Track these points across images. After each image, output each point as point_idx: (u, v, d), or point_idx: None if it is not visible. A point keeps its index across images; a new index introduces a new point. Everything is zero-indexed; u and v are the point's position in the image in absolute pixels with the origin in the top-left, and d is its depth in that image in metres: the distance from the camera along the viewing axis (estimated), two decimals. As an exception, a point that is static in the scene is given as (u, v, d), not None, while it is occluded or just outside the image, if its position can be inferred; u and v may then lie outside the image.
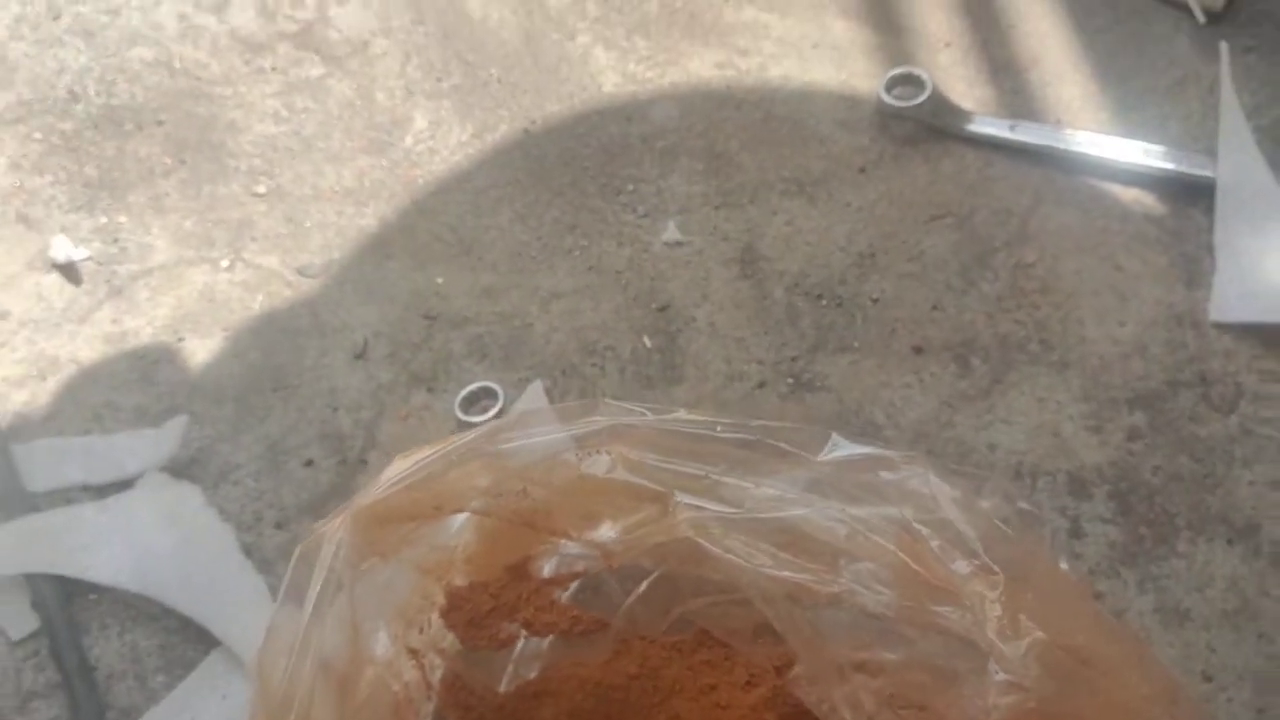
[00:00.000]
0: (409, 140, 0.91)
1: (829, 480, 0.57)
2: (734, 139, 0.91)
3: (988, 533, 0.56)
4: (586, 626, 0.61)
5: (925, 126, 0.90)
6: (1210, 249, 0.83)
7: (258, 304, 0.84)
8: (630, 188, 0.89)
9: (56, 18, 0.95)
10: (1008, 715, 0.50)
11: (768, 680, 0.63)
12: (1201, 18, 0.94)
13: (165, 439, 0.77)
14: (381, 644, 0.61)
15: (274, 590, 0.73)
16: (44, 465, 0.77)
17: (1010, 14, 0.96)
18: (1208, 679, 0.69)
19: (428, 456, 0.54)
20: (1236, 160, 0.84)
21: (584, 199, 0.88)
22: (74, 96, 0.92)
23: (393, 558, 0.60)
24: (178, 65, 0.93)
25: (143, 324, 0.83)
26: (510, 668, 0.66)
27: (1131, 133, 0.89)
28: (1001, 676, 0.52)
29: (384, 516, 0.55)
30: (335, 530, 0.52)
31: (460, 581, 0.64)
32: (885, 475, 0.55)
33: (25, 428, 0.79)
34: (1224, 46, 0.90)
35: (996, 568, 0.52)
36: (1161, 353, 0.80)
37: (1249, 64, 0.92)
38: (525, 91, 0.93)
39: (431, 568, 0.63)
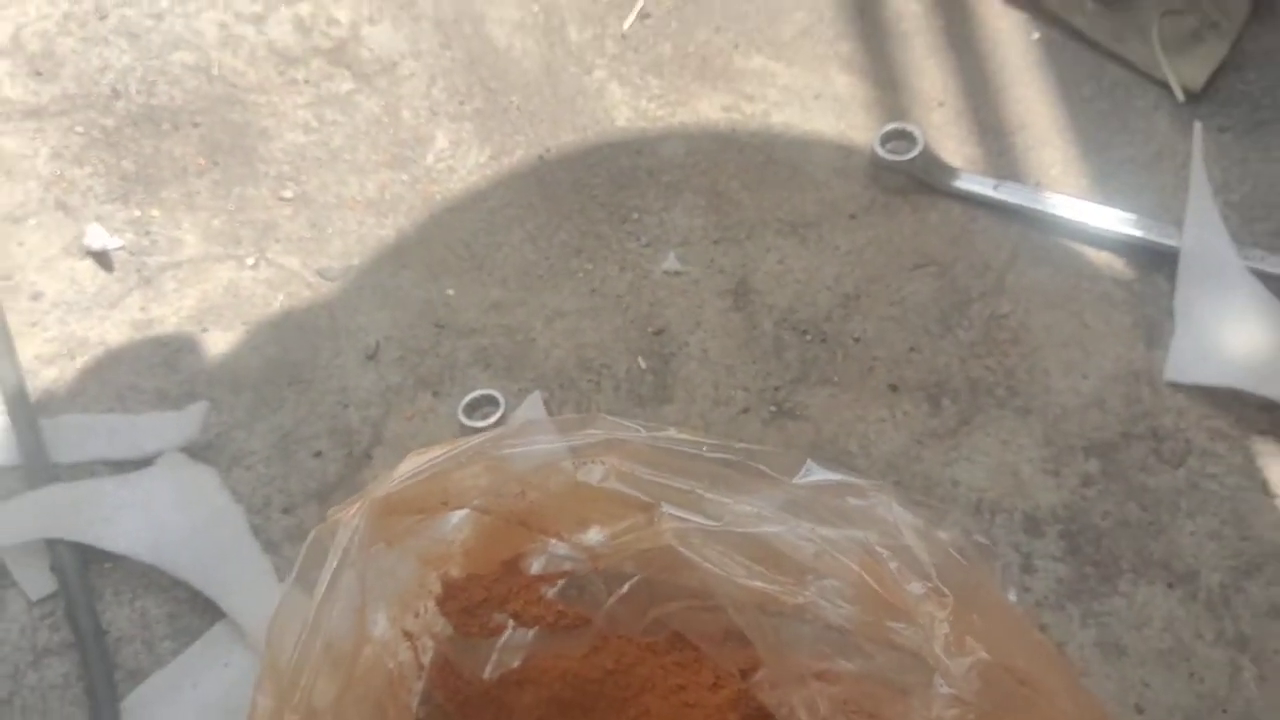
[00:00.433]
0: (430, 158, 0.97)
1: (802, 502, 0.62)
2: (735, 179, 0.96)
3: (942, 560, 0.61)
4: (570, 621, 0.67)
5: (915, 180, 0.96)
6: (1171, 313, 0.89)
7: (278, 302, 0.89)
8: (635, 217, 0.94)
9: (104, 18, 1.00)
10: (949, 725, 0.56)
11: (733, 683, 0.68)
12: (1181, 96, 1.00)
13: (187, 422, 0.82)
14: (380, 625, 0.66)
15: (279, 570, 0.78)
16: (69, 439, 0.81)
17: (1002, 79, 1.02)
18: (1140, 711, 0.75)
19: (439, 456, 0.59)
20: (1201, 233, 0.91)
21: (591, 225, 0.94)
22: (116, 94, 0.97)
23: (397, 546, 0.65)
24: (216, 72, 0.99)
25: (169, 313, 0.88)
26: (496, 656, 0.71)
27: (1107, 199, 0.95)
28: (946, 690, 0.57)
29: (395, 507, 0.61)
30: (352, 516, 0.57)
31: (457, 573, 0.69)
32: (853, 501, 0.61)
33: (53, 403, 0.84)
34: (1198, 126, 0.96)
35: (947, 591, 0.57)
36: (1119, 406, 0.86)
37: (1223, 142, 0.99)
38: (542, 120, 0.99)
39: (431, 558, 0.68)
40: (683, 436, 0.61)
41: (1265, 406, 0.85)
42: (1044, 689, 0.61)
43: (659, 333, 0.89)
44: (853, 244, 0.94)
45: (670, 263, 0.92)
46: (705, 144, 0.98)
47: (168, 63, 0.99)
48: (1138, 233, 0.92)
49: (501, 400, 0.84)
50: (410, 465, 0.59)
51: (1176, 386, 0.87)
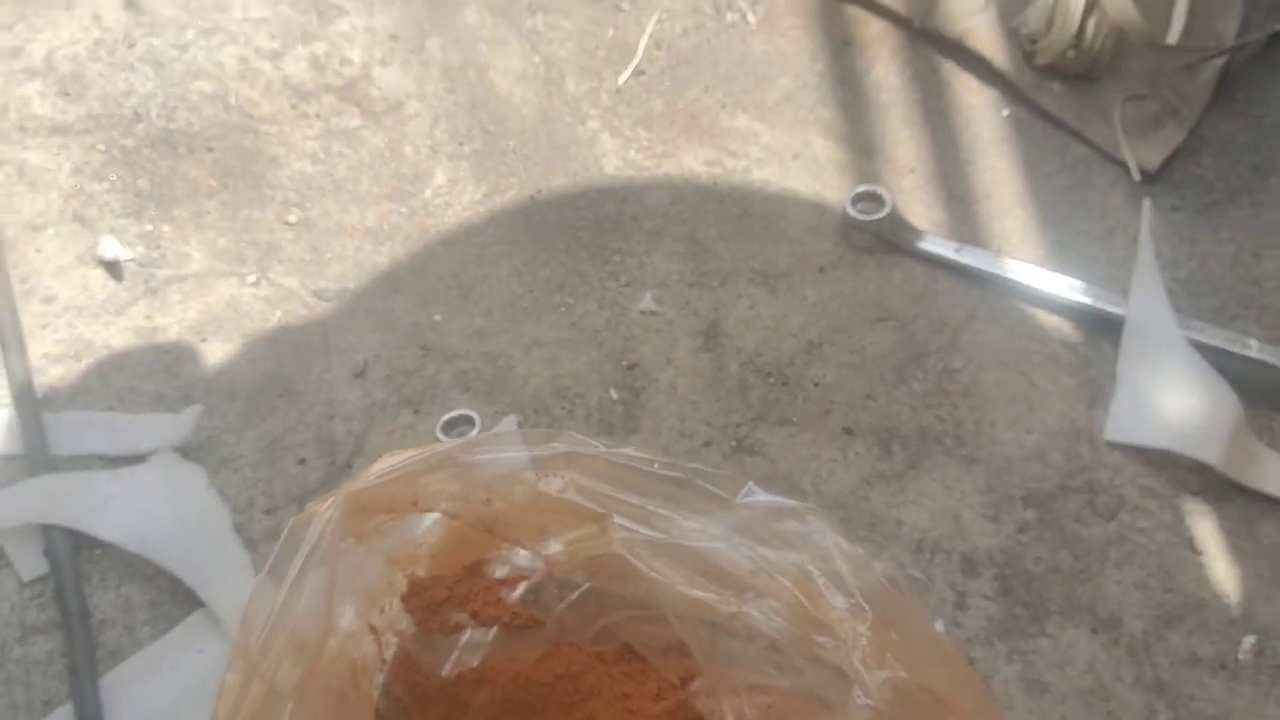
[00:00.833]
0: (428, 193, 1.03)
1: (745, 522, 0.67)
2: (713, 229, 1.03)
3: (870, 584, 0.66)
4: (524, 623, 0.71)
5: (882, 240, 1.02)
6: (1113, 377, 0.95)
7: (276, 318, 0.95)
8: (617, 259, 1.00)
9: (131, 46, 1.07)
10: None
11: (674, 694, 0.73)
12: (1137, 176, 1.07)
13: (181, 424, 0.87)
14: (347, 617, 0.71)
15: (256, 566, 0.83)
16: (69, 434, 0.87)
17: (971, 151, 1.09)
18: (1058, 745, 0.79)
19: (411, 458, 0.65)
20: (1145, 303, 0.97)
21: (575, 264, 1.00)
22: (138, 117, 1.04)
23: (367, 543, 0.70)
24: (233, 101, 1.05)
25: (172, 322, 0.94)
26: (455, 654, 0.76)
27: (1062, 267, 1.01)
28: (863, 701, 0.62)
29: (366, 505, 0.66)
30: (326, 510, 0.62)
31: (422, 573, 0.74)
32: (791, 524, 0.66)
33: (56, 399, 0.89)
34: (1146, 203, 1.03)
35: (867, 607, 0.62)
36: (1059, 460, 0.92)
37: (1175, 221, 1.05)
38: (536, 164, 1.05)
39: (399, 557, 0.73)
40: (637, 454, 0.66)
41: (1195, 468, 0.90)
42: (960, 711, 0.66)
43: (632, 367, 0.95)
44: (819, 295, 1.00)
45: (647, 303, 0.98)
46: (688, 195, 1.04)
47: (188, 90, 1.06)
48: (1087, 300, 0.98)
49: (477, 420, 0.89)
50: (384, 465, 0.64)
51: (1114, 445, 0.92)
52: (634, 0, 1.16)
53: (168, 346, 0.93)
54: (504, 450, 0.67)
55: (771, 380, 0.95)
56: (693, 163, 1.06)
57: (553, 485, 0.67)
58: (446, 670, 0.75)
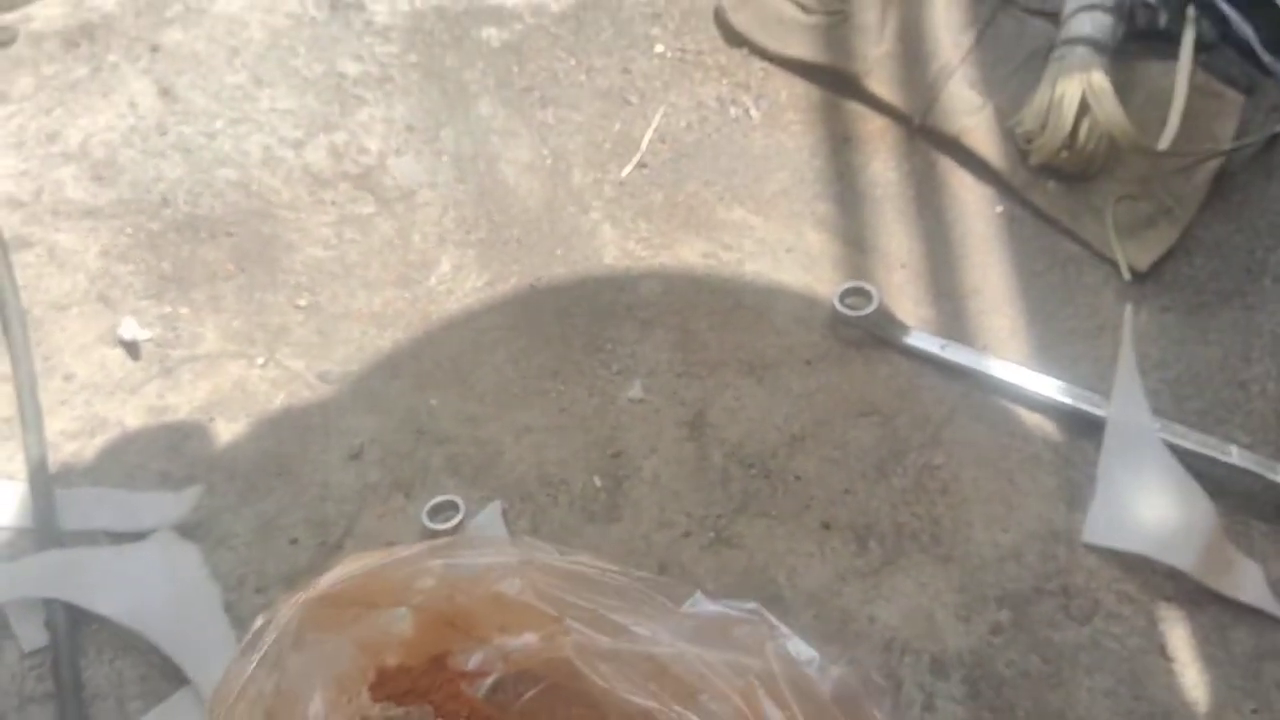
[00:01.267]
0: (433, 279, 1.07)
1: (695, 629, 0.69)
2: (705, 319, 1.06)
3: (815, 693, 0.68)
4: (483, 718, 0.74)
5: (870, 335, 1.05)
6: (1093, 479, 0.96)
7: (279, 399, 1.00)
8: (609, 347, 1.04)
9: (164, 134, 1.13)
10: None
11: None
12: (1128, 275, 1.08)
13: (181, 502, 0.91)
14: (316, 705, 0.74)
15: (244, 645, 0.86)
16: (78, 509, 0.91)
17: (964, 247, 1.11)
18: None
19: (374, 562, 0.68)
20: (1125, 407, 0.98)
21: (569, 351, 1.03)
22: (165, 202, 1.10)
23: (337, 633, 0.74)
24: (254, 188, 1.11)
25: (182, 401, 0.99)
26: (426, 744, 0.79)
27: (1046, 366, 1.02)
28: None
29: (334, 601, 0.69)
30: (286, 611, 0.66)
31: (392, 661, 0.77)
32: (735, 632, 0.68)
33: (70, 475, 0.94)
34: (1129, 308, 1.04)
35: (801, 718, 0.64)
36: (1035, 561, 0.93)
37: (1164, 322, 1.06)
38: (538, 253, 1.09)
39: (369, 645, 0.76)
40: (593, 562, 0.69)
41: (1171, 574, 0.90)
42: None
43: (617, 455, 0.98)
44: (805, 388, 1.02)
45: (635, 391, 1.01)
46: (681, 285, 1.08)
47: (213, 177, 1.11)
48: (1070, 400, 0.99)
49: (461, 506, 0.92)
50: (347, 569, 0.68)
51: (1092, 548, 0.93)
52: (641, 94, 1.20)
53: (176, 425, 0.98)
54: (466, 554, 0.70)
55: (753, 472, 0.97)
56: (689, 254, 1.10)
57: (511, 586, 0.70)
58: (415, 758, 0.77)
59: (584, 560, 0.69)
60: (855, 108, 1.19)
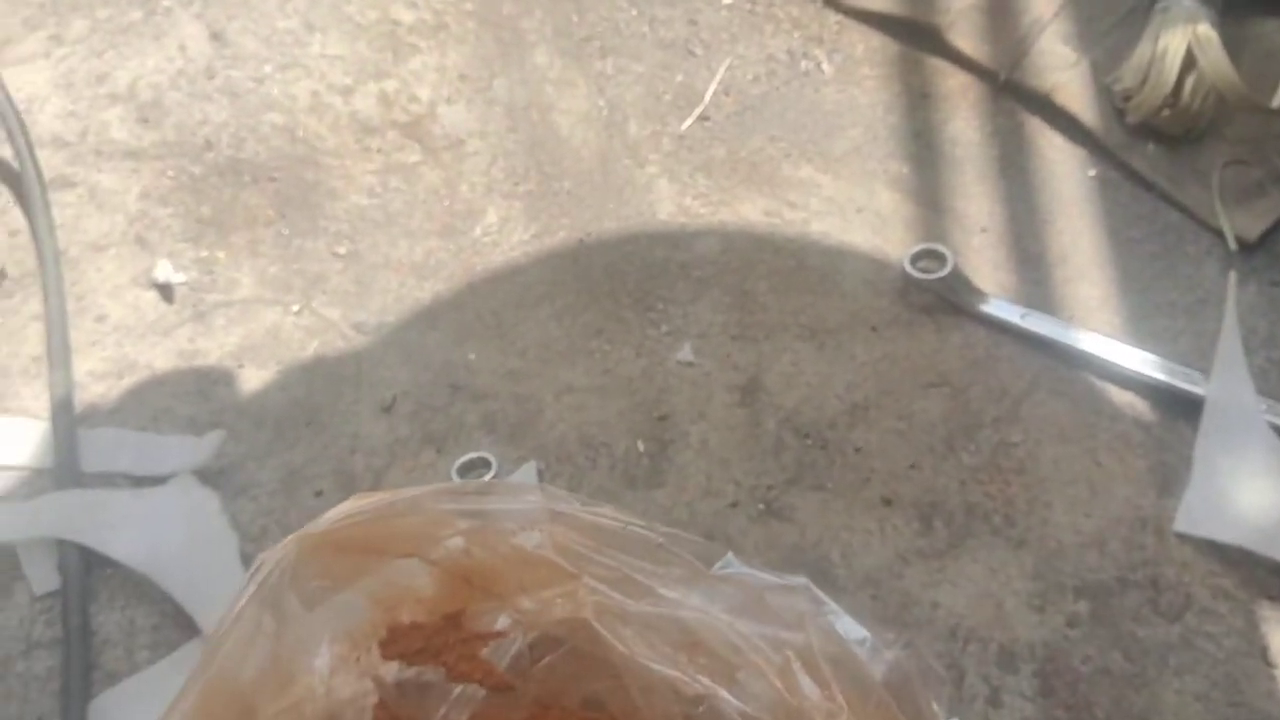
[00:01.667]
0: (478, 231, 1.02)
1: (728, 595, 0.63)
2: (764, 280, 0.99)
3: (861, 673, 0.61)
4: (496, 682, 0.68)
5: (943, 300, 0.96)
6: (1189, 462, 0.87)
7: (313, 348, 0.95)
8: (660, 307, 0.97)
9: (211, 77, 1.10)
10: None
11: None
12: (1233, 245, 0.98)
13: (203, 448, 0.87)
14: (322, 659, 0.69)
15: (259, 598, 0.82)
16: (100, 451, 0.88)
17: (1050, 211, 1.02)
18: None
19: (379, 501, 0.62)
20: (1227, 384, 0.88)
21: (617, 309, 0.97)
22: (208, 145, 1.06)
23: (346, 584, 0.68)
24: (300, 134, 1.07)
25: (213, 347, 0.95)
26: (443, 709, 0.73)
27: (1140, 340, 0.93)
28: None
29: (339, 544, 0.64)
30: (283, 548, 0.61)
31: (406, 619, 0.71)
32: (773, 601, 0.61)
33: (94, 415, 0.91)
34: (1233, 276, 0.95)
35: (843, 701, 0.57)
36: (1119, 550, 0.84)
37: (1274, 296, 0.96)
38: (589, 206, 1.03)
39: (383, 600, 0.71)
40: (617, 515, 0.63)
41: (1275, 570, 0.81)
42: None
43: (662, 419, 0.91)
44: (870, 355, 0.94)
45: (685, 353, 0.94)
46: (740, 244, 1.01)
47: (259, 122, 1.08)
48: (1165, 377, 0.90)
49: (494, 463, 0.87)
50: (349, 507, 0.62)
51: (1184, 538, 0.84)
52: (707, 45, 1.13)
53: (206, 370, 0.94)
54: (476, 500, 0.64)
55: (809, 442, 0.90)
56: (750, 212, 1.03)
57: (530, 540, 0.64)
58: (429, 723, 0.72)
59: (607, 512, 0.62)
60: (936, 62, 1.11)
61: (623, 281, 0.99)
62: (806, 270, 0.99)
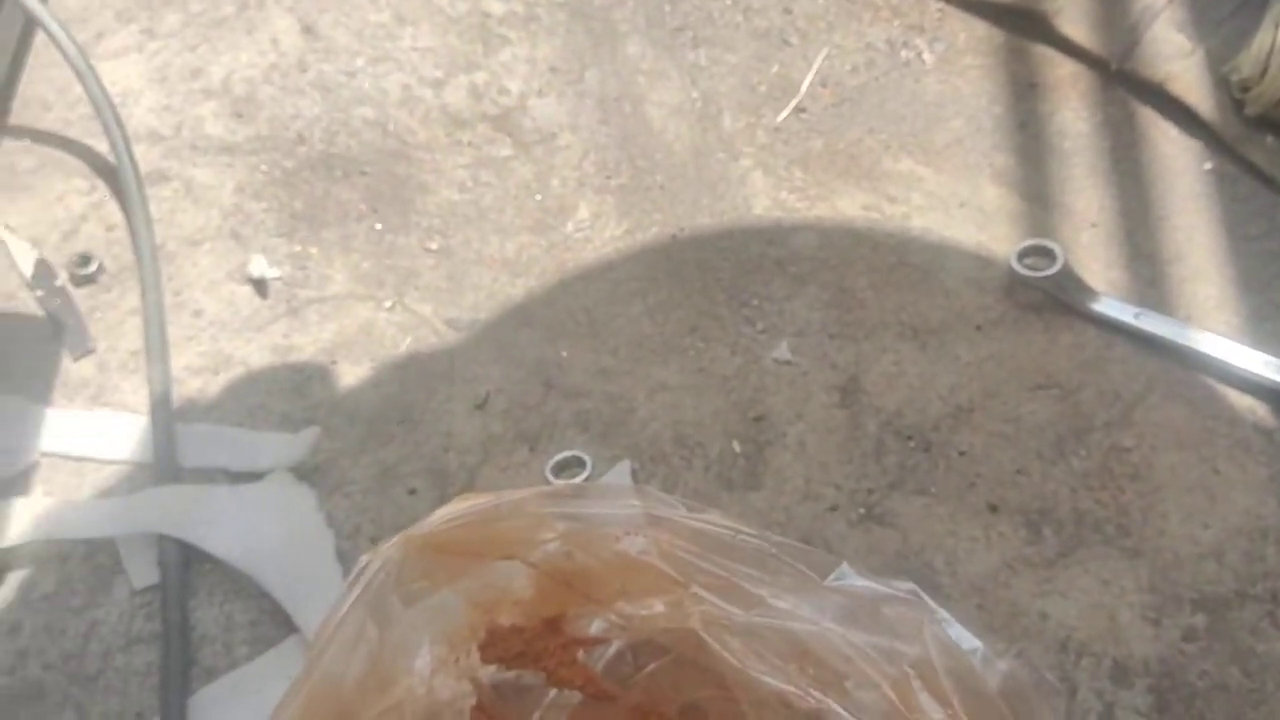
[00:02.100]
0: (570, 226, 1.01)
1: (840, 607, 0.60)
2: (863, 277, 0.96)
3: (979, 686, 0.58)
4: (596, 690, 0.67)
5: (1051, 299, 0.93)
6: (1315, 471, 0.83)
7: (405, 344, 0.95)
8: (755, 303, 0.95)
9: (304, 71, 1.10)
10: None
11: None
12: (1361, 242, 0.93)
13: (299, 444, 0.87)
14: (423, 660, 0.68)
15: (354, 596, 0.81)
16: (197, 446, 0.88)
17: (1164, 207, 0.98)
18: None
19: (482, 503, 0.61)
20: (1358, 388, 0.84)
21: (711, 306, 0.95)
22: (301, 140, 1.06)
23: (445, 585, 0.68)
24: (391, 128, 1.07)
25: (307, 343, 0.95)
26: (538, 713, 0.72)
27: (1260, 342, 0.89)
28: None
29: (441, 546, 0.63)
30: (388, 550, 0.60)
31: (505, 621, 0.70)
32: (888, 612, 0.59)
33: (191, 410, 0.91)
34: (1365, 274, 0.90)
35: (964, 714, 0.54)
36: (1238, 562, 0.80)
37: (1405, 296, 0.91)
38: (682, 201, 1.01)
39: (483, 602, 0.70)
40: (722, 521, 0.61)
41: None
42: None
43: (759, 419, 0.89)
44: (975, 356, 0.91)
45: (781, 352, 0.92)
46: (839, 240, 0.98)
47: (351, 116, 1.07)
48: (1288, 381, 0.86)
49: (589, 463, 0.85)
50: (452, 509, 0.61)
51: (1310, 551, 0.80)
52: (803, 35, 1.11)
53: (300, 366, 0.94)
54: (583, 504, 0.62)
55: (912, 445, 0.87)
56: (848, 206, 1.00)
57: (634, 545, 0.62)
58: (527, 726, 0.71)
59: (715, 519, 0.61)
60: (1042, 51, 1.07)
61: (717, 278, 0.97)
62: (907, 267, 0.96)
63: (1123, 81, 1.04)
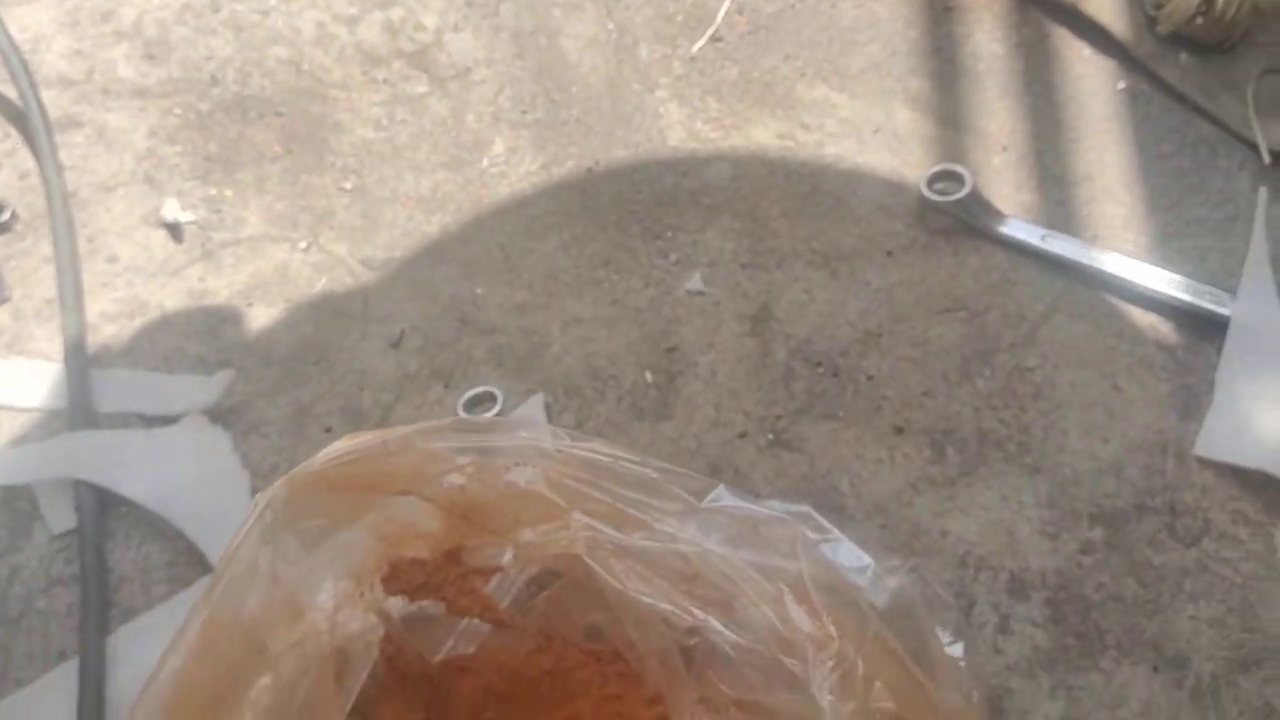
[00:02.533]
0: (485, 162, 1.01)
1: (721, 528, 0.62)
2: (776, 206, 0.96)
3: (856, 601, 0.60)
4: (494, 617, 0.69)
5: (961, 223, 0.94)
6: (1212, 385, 0.84)
7: (320, 285, 0.95)
8: (669, 235, 0.96)
9: (216, 11, 1.09)
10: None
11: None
12: (1267, 158, 0.94)
13: (213, 387, 0.88)
14: (326, 594, 0.70)
15: (270, 534, 0.83)
16: (113, 391, 0.89)
17: (1077, 128, 0.99)
18: (1094, 795, 0.71)
19: (370, 440, 0.62)
20: (1254, 304, 0.85)
21: (625, 239, 0.96)
22: (214, 81, 1.05)
23: (349, 522, 0.69)
24: (305, 67, 1.06)
25: (222, 285, 0.95)
26: (450, 641, 0.74)
27: (1166, 260, 0.90)
28: (830, 732, 0.57)
29: (332, 483, 0.64)
30: (278, 488, 0.61)
31: (409, 554, 0.72)
32: (766, 531, 0.61)
33: (106, 356, 0.92)
34: (1263, 192, 0.91)
35: (834, 630, 0.56)
36: (1137, 476, 0.82)
37: (1310, 212, 0.92)
38: (597, 134, 1.01)
39: (387, 535, 0.71)
40: (608, 450, 0.62)
41: (1299, 494, 0.79)
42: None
43: (671, 350, 0.90)
44: (884, 281, 0.92)
45: (694, 283, 0.93)
46: (753, 169, 0.98)
47: (265, 55, 1.06)
48: (1190, 297, 0.87)
49: (500, 397, 0.86)
50: (341, 447, 0.62)
51: (1205, 463, 0.82)
52: (719, -38, 1.10)
53: (215, 309, 0.94)
54: (470, 437, 0.64)
55: (820, 370, 0.89)
56: (762, 135, 1.00)
57: (523, 475, 0.64)
58: (439, 656, 0.73)
59: (598, 447, 0.62)
60: (957, -27, 1.06)
61: (631, 210, 0.97)
62: (820, 195, 0.97)
63: (1037, 2, 1.04)
